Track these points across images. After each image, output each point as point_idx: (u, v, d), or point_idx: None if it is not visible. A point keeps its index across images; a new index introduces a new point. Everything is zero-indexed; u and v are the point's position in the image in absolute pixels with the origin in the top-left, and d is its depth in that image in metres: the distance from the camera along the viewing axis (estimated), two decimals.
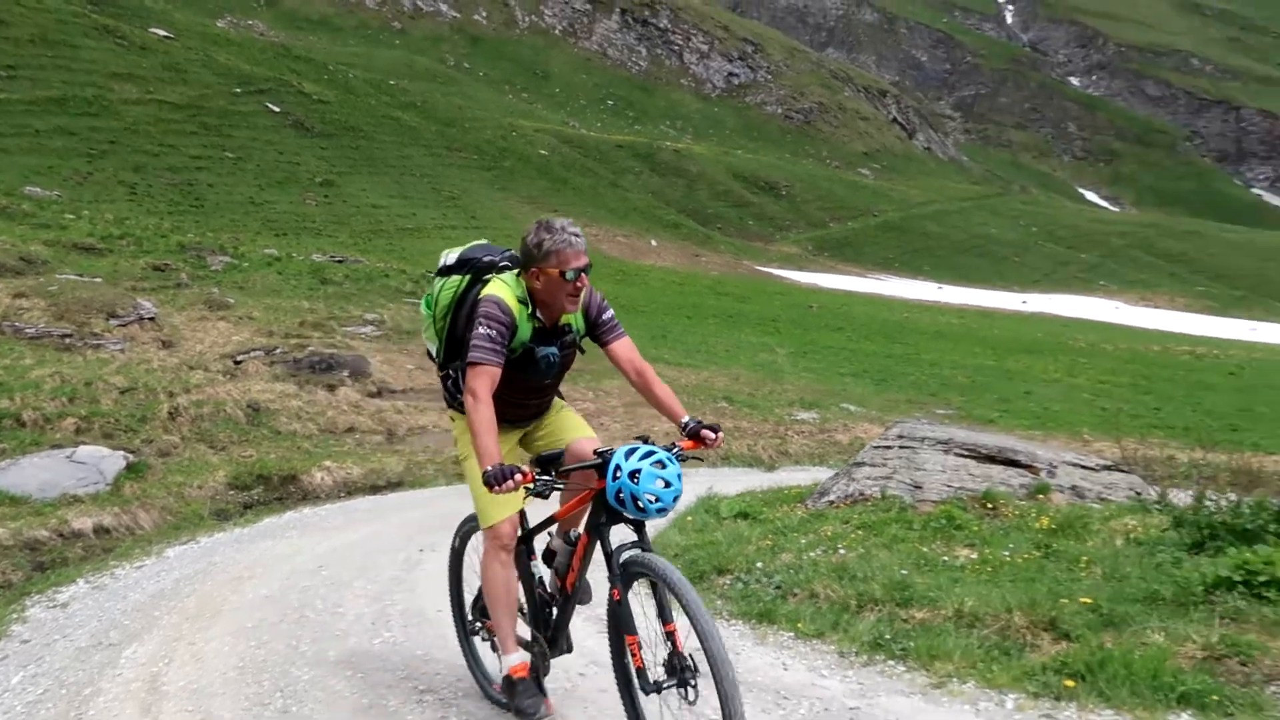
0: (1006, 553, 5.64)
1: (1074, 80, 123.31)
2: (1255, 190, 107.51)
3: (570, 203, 49.62)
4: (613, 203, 54.69)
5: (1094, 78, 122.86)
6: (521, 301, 3.34)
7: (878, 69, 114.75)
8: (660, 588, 3.04)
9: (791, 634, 4.63)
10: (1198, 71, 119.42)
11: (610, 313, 3.54)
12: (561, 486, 3.13)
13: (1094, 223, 75.97)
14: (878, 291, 49.70)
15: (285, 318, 18.77)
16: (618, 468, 2.99)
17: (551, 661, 3.54)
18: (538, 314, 3.38)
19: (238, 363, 14.69)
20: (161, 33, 49.75)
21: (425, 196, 45.15)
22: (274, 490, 9.59)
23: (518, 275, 3.39)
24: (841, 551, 5.95)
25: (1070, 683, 3.77)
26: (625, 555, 3.11)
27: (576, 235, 3.31)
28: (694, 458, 3.24)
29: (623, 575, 3.12)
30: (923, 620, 4.60)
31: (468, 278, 3.54)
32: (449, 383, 3.63)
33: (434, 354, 3.71)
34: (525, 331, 3.36)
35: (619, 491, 2.99)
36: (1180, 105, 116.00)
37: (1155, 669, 3.71)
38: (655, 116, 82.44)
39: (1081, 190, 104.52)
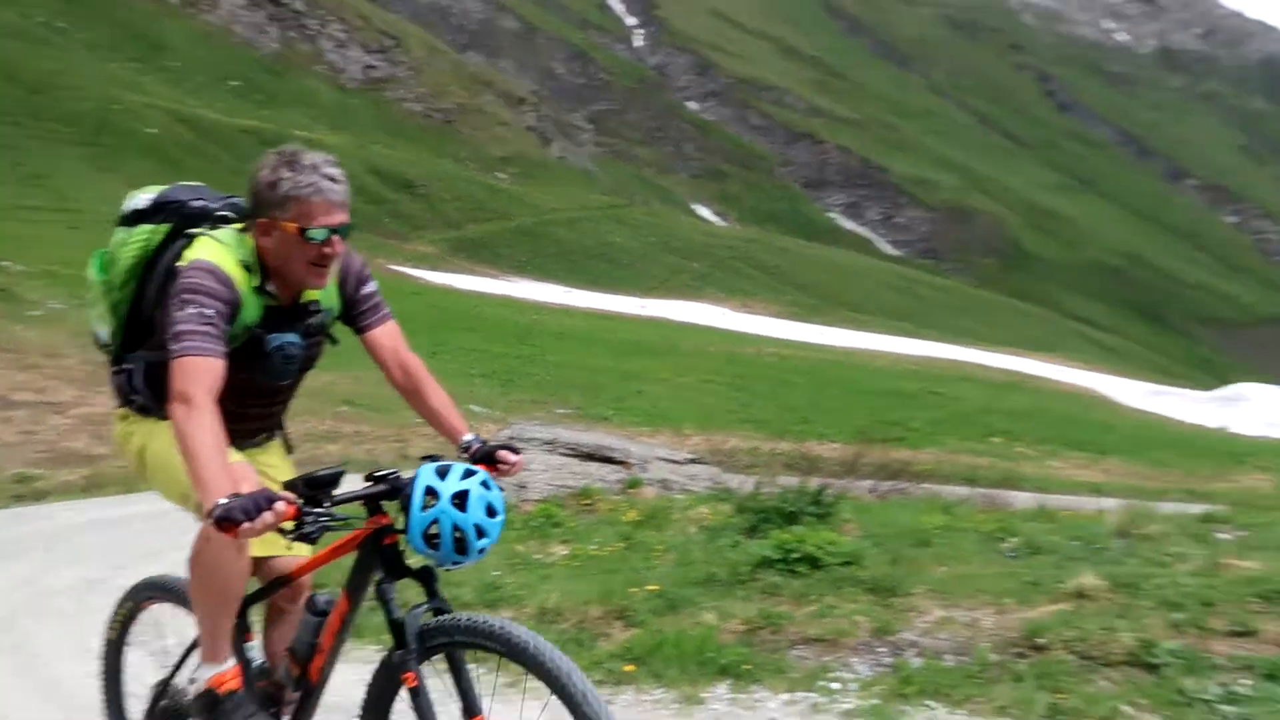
0: (595, 546, 5.99)
1: (692, 104, 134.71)
2: (830, 215, 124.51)
3: None
4: (236, 192, 49.66)
5: (708, 104, 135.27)
6: (245, 267, 2.35)
7: (517, 75, 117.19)
8: (462, 666, 2.19)
9: (377, 647, 4.53)
10: (791, 107, 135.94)
11: (374, 286, 2.59)
12: (338, 526, 2.11)
13: (705, 236, 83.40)
14: (510, 294, 50.72)
15: None
16: (430, 491, 2.09)
17: None
18: (269, 286, 2.38)
19: None
20: None
21: (2, 172, 38.85)
22: None
23: (241, 231, 2.41)
24: None
25: (630, 667, 4.05)
26: (423, 621, 2.20)
27: (334, 180, 2.30)
28: None
29: (421, 650, 2.18)
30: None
31: (166, 230, 2.49)
32: (124, 379, 2.54)
33: (104, 339, 2.59)
34: (252, 311, 2.35)
35: (432, 524, 2.08)
36: (777, 135, 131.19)
37: (702, 646, 4.09)
38: (286, 103, 77.28)
39: (695, 206, 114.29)
